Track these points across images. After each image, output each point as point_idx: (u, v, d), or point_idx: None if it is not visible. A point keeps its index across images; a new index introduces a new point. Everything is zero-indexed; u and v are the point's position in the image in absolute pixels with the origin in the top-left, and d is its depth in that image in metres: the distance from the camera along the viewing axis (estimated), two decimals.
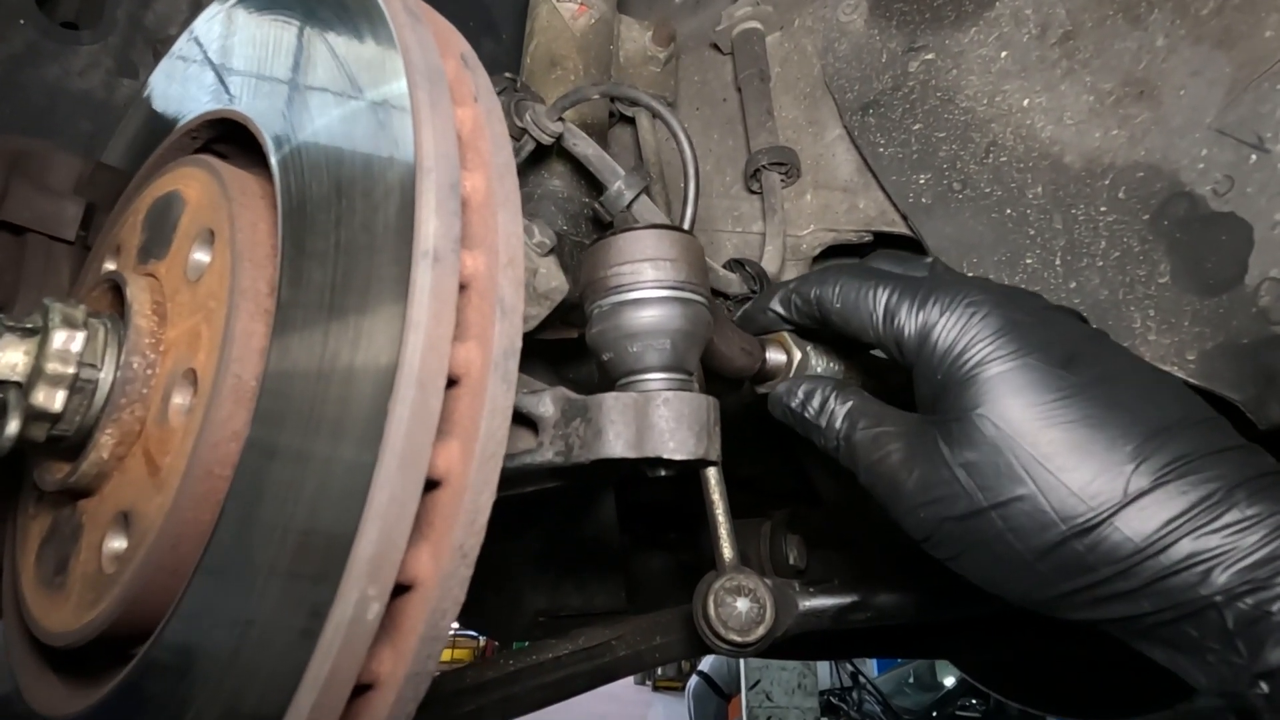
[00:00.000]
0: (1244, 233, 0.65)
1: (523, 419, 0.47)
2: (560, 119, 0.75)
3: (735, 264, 0.85)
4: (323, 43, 0.45)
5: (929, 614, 0.76)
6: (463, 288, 0.36)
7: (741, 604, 0.71)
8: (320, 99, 0.44)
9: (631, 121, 1.01)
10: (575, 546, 1.12)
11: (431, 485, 0.34)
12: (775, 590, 0.72)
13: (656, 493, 1.20)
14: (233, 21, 0.57)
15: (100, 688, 0.45)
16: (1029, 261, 0.80)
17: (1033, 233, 0.80)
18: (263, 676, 0.34)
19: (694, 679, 6.20)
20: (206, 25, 0.62)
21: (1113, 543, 0.41)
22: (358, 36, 0.43)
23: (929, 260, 0.57)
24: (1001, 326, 0.47)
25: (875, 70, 0.93)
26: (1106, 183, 0.76)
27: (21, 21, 1.02)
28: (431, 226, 0.33)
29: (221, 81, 0.57)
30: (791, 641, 0.73)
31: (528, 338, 0.66)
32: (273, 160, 0.45)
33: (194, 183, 0.50)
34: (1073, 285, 0.76)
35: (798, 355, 0.62)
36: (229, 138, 0.57)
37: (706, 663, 6.03)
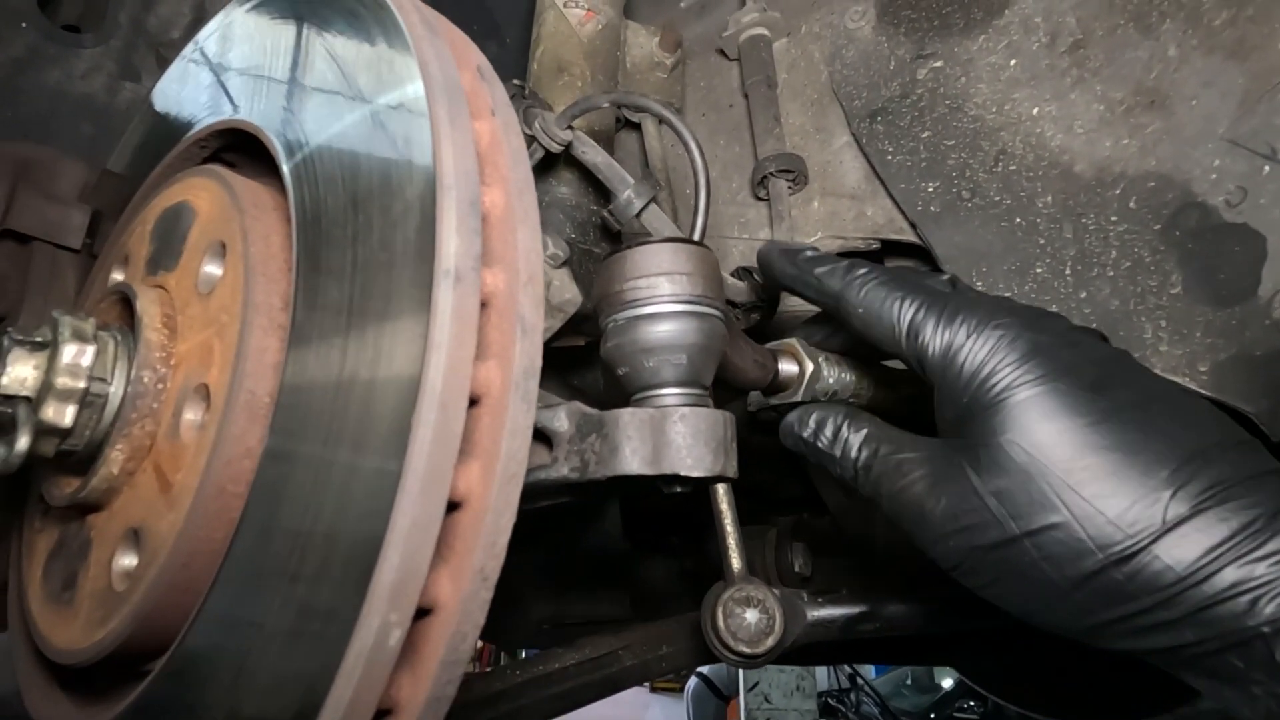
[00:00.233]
0: (1257, 244, 0.65)
1: (538, 434, 0.46)
2: (569, 127, 0.74)
3: (743, 272, 0.84)
4: (336, 55, 0.45)
5: (940, 625, 0.76)
6: (483, 306, 0.35)
7: (750, 615, 0.71)
8: (334, 111, 0.43)
9: (637, 127, 1.01)
10: (579, 553, 1.11)
11: (452, 507, 0.33)
12: (784, 601, 0.71)
13: (661, 499, 1.19)
14: (243, 29, 0.57)
15: (110, 705, 0.45)
16: (1039, 271, 0.80)
17: (1043, 242, 0.80)
18: (281, 697, 0.33)
19: (693, 680, 6.19)
20: (215, 32, 0.62)
21: (1153, 571, 0.40)
22: (373, 49, 0.43)
23: (946, 278, 0.56)
24: (1030, 350, 0.46)
25: (883, 77, 0.93)
26: (1117, 192, 0.75)
27: (23, 24, 1.01)
28: (453, 245, 0.33)
29: (228, 91, 0.56)
30: (796, 650, 0.73)
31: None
32: (285, 172, 0.44)
33: (204, 193, 0.50)
34: (1083, 295, 0.76)
35: (810, 366, 0.62)
36: (238, 147, 0.56)
37: (707, 664, 6.02)
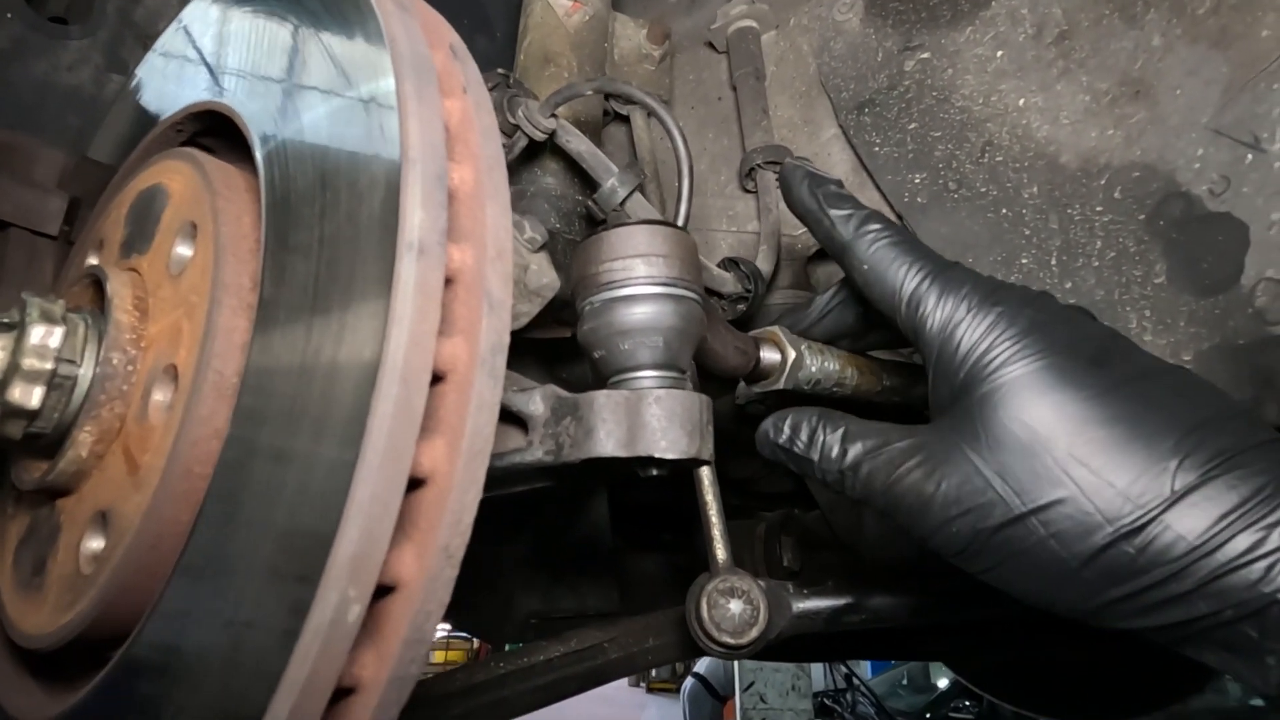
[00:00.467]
0: (1240, 233, 0.65)
1: (512, 417, 0.46)
2: (553, 115, 0.74)
3: (730, 263, 0.84)
4: (310, 34, 0.45)
5: (926, 617, 0.76)
6: (449, 282, 0.35)
7: (735, 606, 0.71)
8: (306, 90, 0.43)
9: (626, 120, 1.01)
10: (567, 548, 1.11)
11: (416, 484, 0.33)
12: (769, 592, 0.71)
13: (649, 493, 1.19)
14: (220, 13, 0.56)
15: (78, 691, 0.44)
16: (1024, 261, 0.79)
17: (1028, 233, 0.79)
18: (242, 679, 0.33)
19: (690, 681, 6.19)
20: (193, 17, 0.61)
21: (1164, 542, 0.39)
22: (345, 27, 0.42)
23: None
24: (1028, 326, 0.45)
25: (871, 69, 0.93)
26: (1102, 183, 0.75)
27: (9, 16, 1.00)
28: (417, 218, 0.33)
29: (211, 73, 0.56)
30: (784, 643, 0.72)
31: (519, 336, 0.65)
32: (257, 152, 0.44)
33: (178, 176, 0.50)
34: (1068, 285, 0.76)
35: (792, 354, 0.61)
36: (215, 131, 0.56)
37: (702, 664, 6.02)
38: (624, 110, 1.00)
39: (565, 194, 0.81)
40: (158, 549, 0.40)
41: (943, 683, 5.36)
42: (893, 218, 0.91)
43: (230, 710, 0.32)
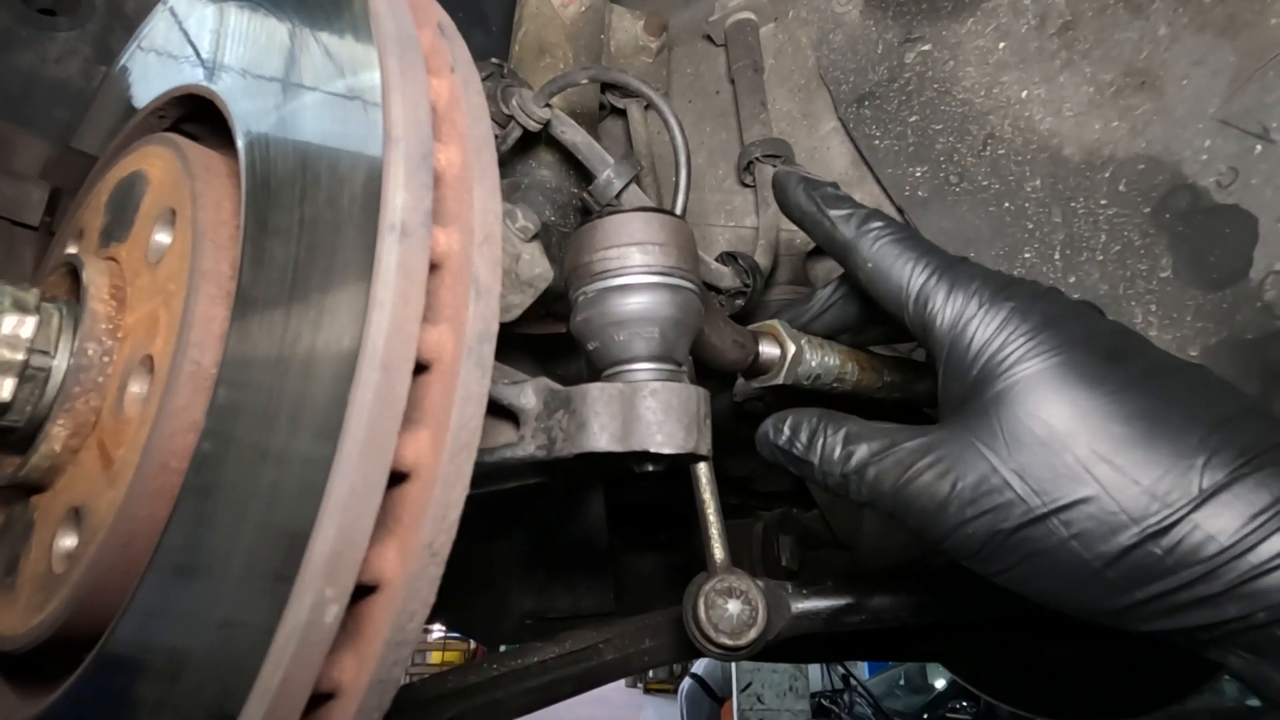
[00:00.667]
0: (1249, 225, 0.64)
1: (503, 411, 0.44)
2: (548, 105, 0.72)
3: (728, 257, 0.83)
4: (292, 13, 0.43)
5: (926, 617, 0.74)
6: (435, 267, 0.33)
7: (733, 606, 0.69)
8: (290, 72, 0.42)
9: (623, 113, 0.99)
10: (563, 547, 1.10)
11: (399, 478, 0.31)
12: (767, 592, 0.70)
13: (646, 492, 1.17)
14: None
15: (52, 694, 0.42)
16: (1027, 255, 0.78)
17: (1031, 226, 0.78)
18: (216, 682, 0.31)
19: (687, 681, 6.17)
20: (178, 3, 0.59)
21: (1193, 543, 0.38)
22: (331, 10, 0.41)
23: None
24: (1042, 321, 0.44)
25: (871, 62, 0.91)
26: (1106, 175, 0.74)
27: None
28: (400, 199, 0.31)
29: (196, 58, 0.54)
30: (782, 644, 0.71)
31: (511, 329, 0.63)
32: (238, 136, 0.42)
33: (158, 161, 0.48)
34: (1072, 280, 0.75)
35: (791, 348, 0.60)
36: (199, 116, 0.54)
37: (699, 665, 6.01)
38: (620, 103, 0.98)
39: (560, 186, 0.79)
40: (131, 547, 0.38)
41: (940, 683, 5.36)
42: (893, 212, 0.89)
43: (207, 712, 0.31)
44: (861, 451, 0.48)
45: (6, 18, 0.99)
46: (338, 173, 0.34)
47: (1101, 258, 0.73)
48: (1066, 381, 0.42)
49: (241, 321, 0.36)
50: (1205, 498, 0.38)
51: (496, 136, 0.70)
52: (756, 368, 0.60)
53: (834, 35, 0.95)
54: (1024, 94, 0.81)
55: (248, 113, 0.43)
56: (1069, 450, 0.41)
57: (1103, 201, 0.74)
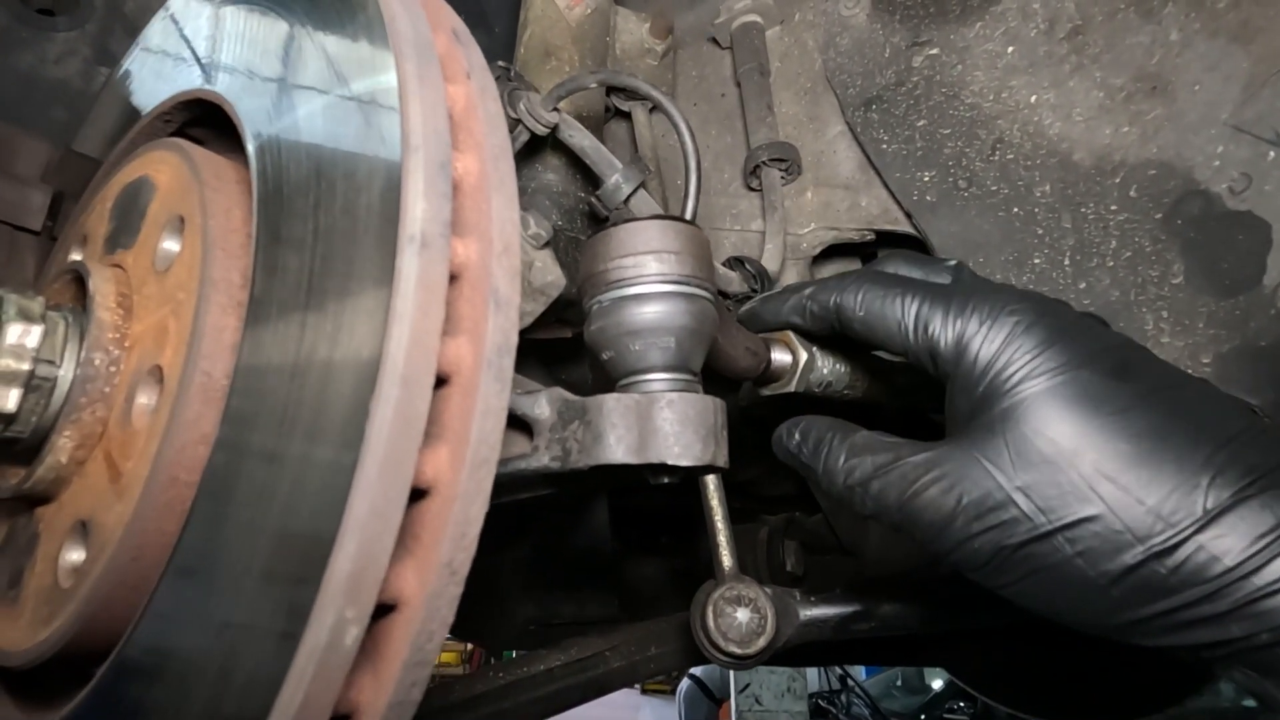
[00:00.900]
0: (1262, 232, 0.63)
1: (517, 421, 0.43)
2: (555, 109, 0.72)
3: (735, 262, 0.82)
4: (304, 17, 0.42)
5: (934, 625, 0.74)
6: (453, 278, 0.33)
7: (742, 614, 0.69)
8: (301, 76, 0.41)
9: (627, 116, 0.99)
10: (566, 552, 1.09)
11: (418, 495, 0.31)
12: (776, 600, 0.69)
13: (650, 497, 1.17)
14: (210, 1, 0.54)
15: (57, 711, 0.42)
16: (1037, 261, 0.78)
17: (1040, 232, 0.78)
18: (231, 702, 0.30)
19: (685, 682, 6.16)
20: (183, 4, 0.59)
21: (1198, 563, 0.38)
22: (342, 9, 0.40)
23: (952, 263, 0.54)
24: (1047, 337, 0.44)
25: (878, 65, 0.91)
26: (1117, 181, 0.74)
27: None
28: (419, 209, 0.30)
29: (200, 62, 0.53)
30: (788, 650, 0.70)
31: (522, 336, 0.63)
32: (248, 141, 0.42)
33: (165, 167, 0.47)
34: (1082, 286, 0.74)
35: (804, 356, 0.59)
36: (206, 121, 0.54)
37: (698, 666, 6.00)
38: (625, 106, 0.98)
39: (567, 190, 0.79)
40: (140, 561, 0.37)
41: (937, 684, 5.36)
42: (901, 216, 0.89)
43: None
44: (866, 465, 0.48)
45: (5, 18, 0.98)
46: (354, 180, 0.34)
47: (1112, 264, 0.73)
48: (1072, 400, 0.42)
49: (255, 332, 0.35)
50: (1210, 518, 0.38)
51: None
52: (768, 375, 0.60)
53: (841, 38, 0.94)
54: (1033, 98, 0.80)
55: (257, 117, 0.42)
56: (1074, 468, 0.41)
57: (1113, 207, 0.73)
